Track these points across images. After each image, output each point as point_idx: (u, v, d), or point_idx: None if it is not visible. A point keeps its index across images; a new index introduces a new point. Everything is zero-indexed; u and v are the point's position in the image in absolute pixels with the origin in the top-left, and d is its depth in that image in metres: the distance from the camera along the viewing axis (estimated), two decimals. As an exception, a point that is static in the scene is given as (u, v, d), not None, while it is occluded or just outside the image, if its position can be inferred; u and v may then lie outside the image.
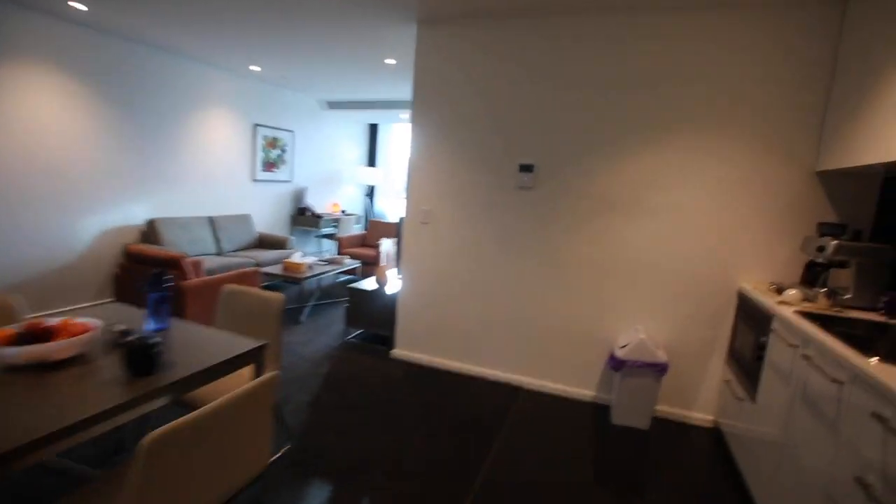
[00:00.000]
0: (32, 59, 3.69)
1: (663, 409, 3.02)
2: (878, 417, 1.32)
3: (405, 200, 3.49)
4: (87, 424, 1.19)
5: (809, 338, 1.79)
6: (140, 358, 1.42)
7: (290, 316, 4.47)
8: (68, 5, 3.49)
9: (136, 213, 4.66)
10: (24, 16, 3.60)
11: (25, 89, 3.67)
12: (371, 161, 8.63)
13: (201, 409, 1.12)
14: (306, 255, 5.31)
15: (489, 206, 3.26)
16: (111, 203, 4.41)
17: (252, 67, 5.14)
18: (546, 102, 3.05)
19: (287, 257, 4.90)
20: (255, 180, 6.07)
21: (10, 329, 1.47)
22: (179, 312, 3.71)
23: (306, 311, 4.60)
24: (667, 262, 2.93)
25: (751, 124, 2.70)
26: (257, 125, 5.95)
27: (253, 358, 1.77)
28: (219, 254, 5.17)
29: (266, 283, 5.20)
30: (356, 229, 7.60)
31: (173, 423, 1.06)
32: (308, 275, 4.45)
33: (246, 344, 1.79)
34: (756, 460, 2.20)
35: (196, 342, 1.77)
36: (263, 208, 6.29)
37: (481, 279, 3.34)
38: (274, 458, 2.25)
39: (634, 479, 2.36)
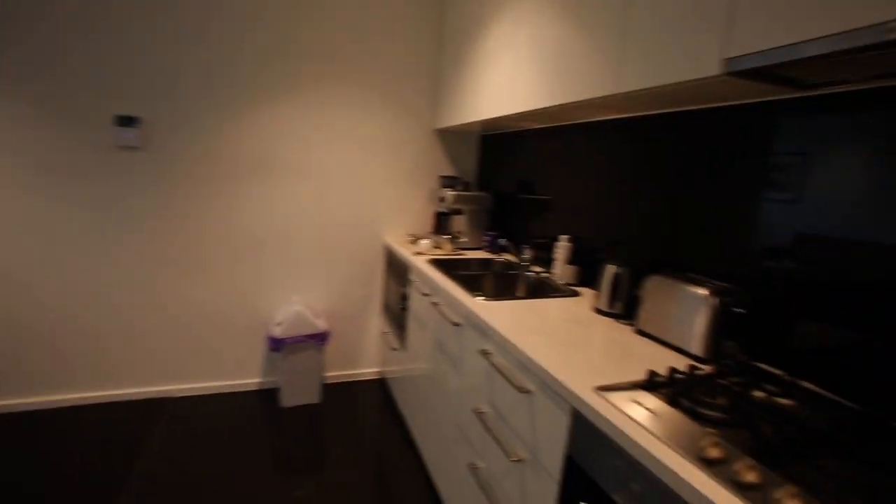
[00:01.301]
0: None
1: (332, 374, 2.96)
2: (484, 353, 1.44)
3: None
4: None
5: (435, 285, 1.90)
6: None
7: None
8: None
9: None
10: None
11: None
12: None
13: None
14: None
15: (76, 172, 2.34)
16: None
17: None
18: (158, 34, 2.32)
19: None
20: None
21: None
22: None
23: None
24: (317, 225, 2.77)
25: (383, 81, 2.73)
26: None
27: None
28: None
29: None
30: None
31: None
32: None
33: None
34: (411, 403, 2.34)
35: None
36: None
37: (81, 275, 2.43)
38: None
39: (313, 456, 2.20)
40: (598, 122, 1.89)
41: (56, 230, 2.37)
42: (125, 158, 2.40)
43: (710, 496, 0.70)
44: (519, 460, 1.25)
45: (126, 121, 2.36)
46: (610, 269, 1.50)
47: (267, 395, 2.75)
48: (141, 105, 2.37)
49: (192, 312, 2.63)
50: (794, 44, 0.84)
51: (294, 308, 2.52)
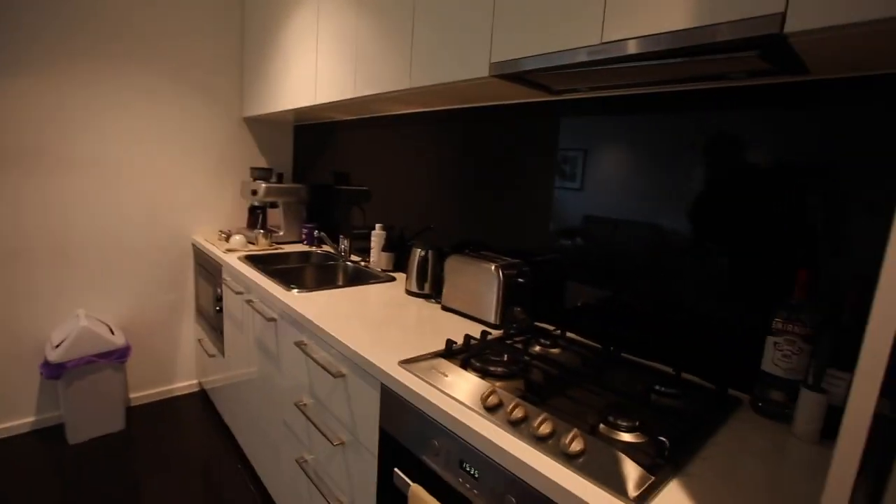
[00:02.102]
0: None
1: (140, 394, 2.60)
2: (300, 344, 1.43)
3: None
4: None
5: (248, 283, 1.81)
6: None
7: None
8: None
9: None
10: None
11: None
12: None
13: None
14: None
15: None
16: None
17: None
18: None
19: None
20: None
21: None
22: None
23: None
24: (106, 225, 2.37)
25: (181, 63, 2.44)
26: None
27: None
28: None
29: None
30: None
31: None
32: None
33: None
34: (235, 410, 2.20)
35: None
36: None
37: None
38: None
39: (120, 494, 1.90)
40: (407, 114, 1.99)
41: None
42: None
43: (488, 435, 0.83)
44: (341, 443, 1.29)
45: None
46: (416, 253, 1.61)
47: (49, 434, 2.29)
48: None
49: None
50: (524, 57, 1.02)
51: (78, 324, 2.13)
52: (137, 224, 2.46)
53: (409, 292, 1.65)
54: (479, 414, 0.90)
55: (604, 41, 0.91)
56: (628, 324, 1.26)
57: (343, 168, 2.44)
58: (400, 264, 1.96)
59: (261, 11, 2.36)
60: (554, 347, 1.28)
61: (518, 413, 0.88)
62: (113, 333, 2.27)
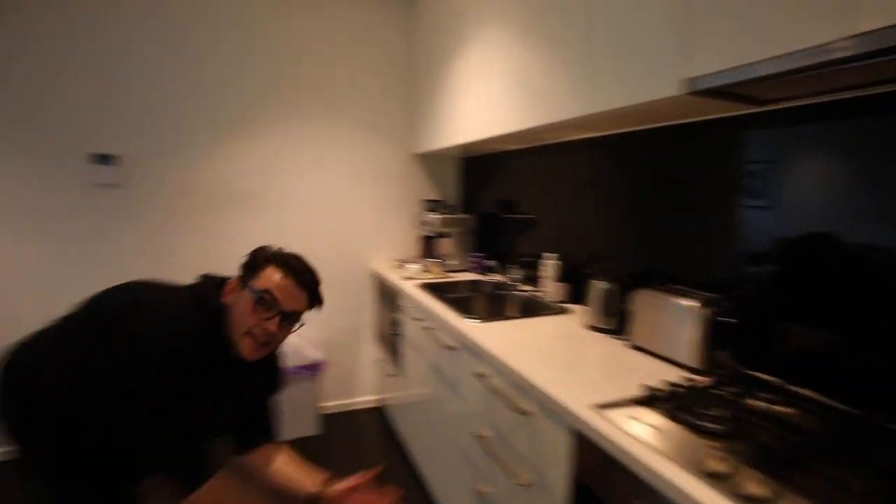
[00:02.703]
0: None
1: (330, 404, 2.92)
2: (480, 376, 1.43)
3: None
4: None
5: (427, 310, 1.90)
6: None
7: None
8: None
9: None
10: None
11: None
12: None
13: None
14: None
15: (54, 212, 2.31)
16: None
17: None
18: (138, 75, 2.34)
19: None
20: None
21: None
22: None
23: None
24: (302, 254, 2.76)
25: (362, 109, 2.78)
26: None
27: None
28: None
29: None
30: None
31: None
32: None
33: None
34: (412, 429, 2.31)
35: None
36: None
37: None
38: None
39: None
40: (576, 140, 1.92)
41: (39, 272, 2.33)
42: (104, 196, 2.38)
43: (718, 512, 0.70)
44: (524, 483, 1.24)
45: (105, 158, 2.35)
46: (599, 285, 1.51)
47: (262, 432, 2.69)
48: (119, 143, 2.38)
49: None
50: (748, 64, 0.88)
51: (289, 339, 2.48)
52: (327, 255, 2.79)
53: (591, 327, 1.55)
54: (700, 480, 0.77)
55: (860, 32, 0.73)
56: (888, 381, 0.99)
57: (510, 197, 2.45)
58: (574, 295, 1.87)
59: (428, 56, 2.54)
60: (779, 404, 1.06)
61: (755, 489, 0.72)
62: (311, 349, 2.59)
